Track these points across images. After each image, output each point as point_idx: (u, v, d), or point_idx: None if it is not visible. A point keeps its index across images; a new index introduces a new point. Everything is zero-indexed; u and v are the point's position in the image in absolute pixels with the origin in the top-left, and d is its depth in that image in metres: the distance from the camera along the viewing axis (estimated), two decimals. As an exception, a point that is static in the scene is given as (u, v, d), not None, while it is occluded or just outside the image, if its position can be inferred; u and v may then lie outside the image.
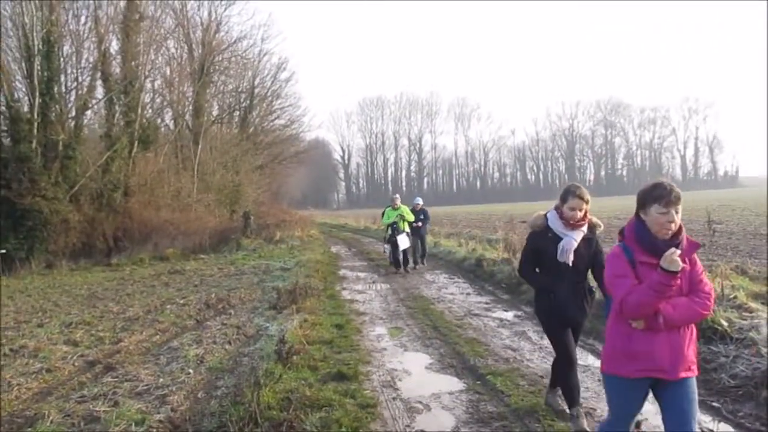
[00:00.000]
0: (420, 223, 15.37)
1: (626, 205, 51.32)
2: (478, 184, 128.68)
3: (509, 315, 9.35)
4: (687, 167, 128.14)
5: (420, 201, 15.99)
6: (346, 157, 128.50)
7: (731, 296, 7.24)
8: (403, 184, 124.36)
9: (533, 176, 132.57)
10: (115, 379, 6.38)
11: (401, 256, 14.82)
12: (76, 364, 7.22)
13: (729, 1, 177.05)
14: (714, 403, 5.06)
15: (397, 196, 15.68)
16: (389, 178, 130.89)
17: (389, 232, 15.04)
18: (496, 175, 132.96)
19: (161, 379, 6.27)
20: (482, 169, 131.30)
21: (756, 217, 25.36)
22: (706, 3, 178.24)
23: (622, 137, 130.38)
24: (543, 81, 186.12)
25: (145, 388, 6.03)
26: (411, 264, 15.26)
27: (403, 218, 14.77)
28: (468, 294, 11.53)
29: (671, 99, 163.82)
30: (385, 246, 15.95)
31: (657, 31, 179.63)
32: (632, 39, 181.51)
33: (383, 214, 15.47)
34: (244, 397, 5.10)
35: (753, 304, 6.94)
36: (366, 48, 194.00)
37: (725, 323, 6.23)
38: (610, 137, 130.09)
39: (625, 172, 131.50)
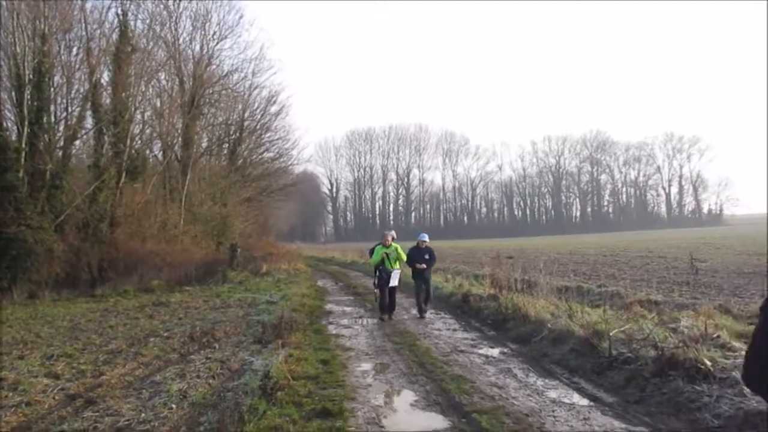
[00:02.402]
0: (425, 265, 13.28)
1: (611, 242, 51.76)
2: (466, 219, 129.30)
3: (495, 352, 9.35)
4: (672, 205, 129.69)
5: (426, 238, 13.78)
6: (334, 190, 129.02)
7: (714, 335, 7.30)
8: (391, 218, 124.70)
9: (520, 212, 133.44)
10: (96, 414, 6.28)
11: (387, 300, 13.00)
12: (57, 397, 7.10)
13: (715, 38, 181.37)
14: (698, 444, 5.06)
15: (390, 232, 13.59)
16: (377, 212, 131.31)
17: (377, 273, 13.18)
18: (484, 210, 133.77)
19: (143, 414, 6.19)
20: (469, 204, 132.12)
21: (738, 256, 25.67)
22: (691, 40, 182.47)
23: (608, 174, 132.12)
24: (530, 117, 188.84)
25: (127, 423, 5.95)
26: (416, 311, 13.44)
27: (388, 257, 13.00)
28: (454, 330, 11.52)
29: (656, 136, 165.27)
30: (376, 290, 13.63)
31: (642, 69, 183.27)
32: (618, 75, 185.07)
33: (372, 251, 13.54)
34: (227, 433, 5.05)
35: (736, 344, 7.00)
36: (355, 81, 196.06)
37: (708, 362, 6.27)
38: (596, 174, 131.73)
39: (611, 209, 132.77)
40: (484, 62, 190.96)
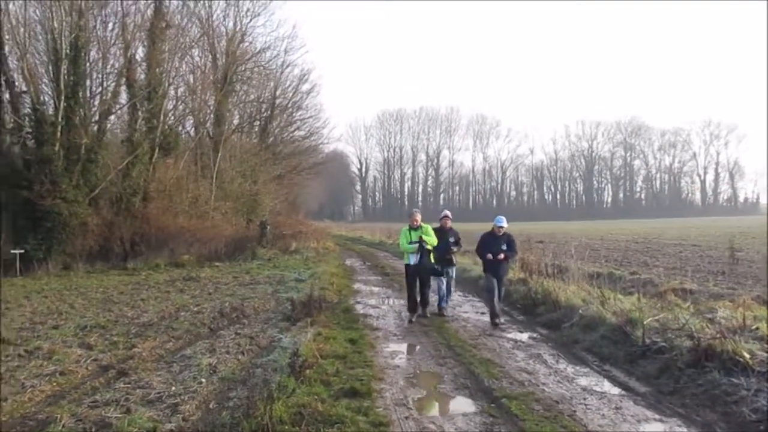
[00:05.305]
0: (502, 255, 10.53)
1: (643, 229, 50.89)
2: (495, 201, 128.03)
3: (524, 336, 9.26)
4: (707, 193, 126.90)
5: (504, 223, 10.80)
6: (363, 170, 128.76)
7: (753, 327, 7.09)
8: (420, 199, 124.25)
9: (550, 196, 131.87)
10: (128, 385, 6.38)
11: (421, 293, 10.92)
12: (90, 368, 7.23)
13: (753, 25, 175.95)
14: (735, 438, 4.93)
15: (417, 210, 11.45)
16: (405, 193, 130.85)
17: (411, 260, 10.83)
18: (513, 193, 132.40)
19: (173, 388, 6.26)
20: (499, 187, 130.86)
21: (777, 246, 24.98)
22: (730, 26, 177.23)
23: (641, 160, 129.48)
24: (563, 100, 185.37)
25: (158, 395, 6.02)
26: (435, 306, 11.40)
27: (420, 244, 10.63)
28: (483, 313, 11.42)
29: (693, 122, 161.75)
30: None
31: (681, 53, 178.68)
32: (655, 59, 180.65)
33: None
34: (256, 410, 5.06)
35: (776, 337, 6.79)
36: (388, 61, 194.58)
37: (747, 355, 6.10)
38: (630, 159, 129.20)
39: (643, 196, 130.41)
40: (518, 44, 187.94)
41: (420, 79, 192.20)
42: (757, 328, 7.03)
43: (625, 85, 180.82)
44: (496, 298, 10.40)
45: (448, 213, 12.12)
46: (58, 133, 20.61)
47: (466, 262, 18.57)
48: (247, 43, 33.43)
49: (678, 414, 5.57)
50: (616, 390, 6.36)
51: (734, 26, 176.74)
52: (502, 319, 10.39)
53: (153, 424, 5.14)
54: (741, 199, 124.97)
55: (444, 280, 11.51)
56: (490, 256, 10.45)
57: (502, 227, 10.71)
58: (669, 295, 10.91)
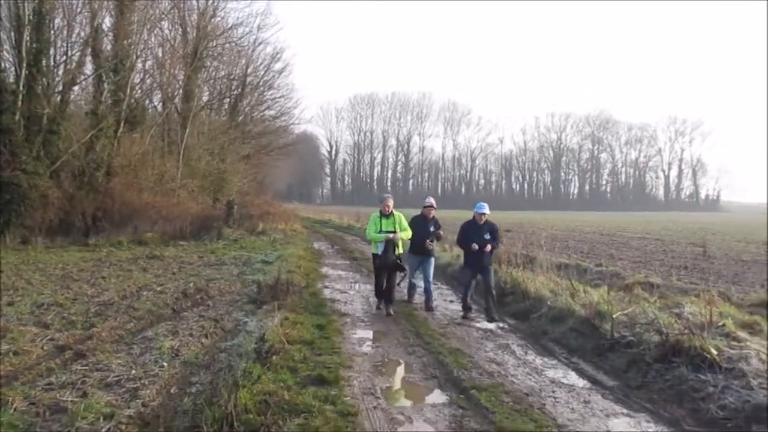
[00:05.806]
0: (489, 247, 9.95)
1: (608, 222, 51.69)
2: (463, 189, 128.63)
3: (492, 326, 9.22)
4: (670, 188, 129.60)
5: (485, 209, 10.19)
6: (333, 152, 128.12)
7: (719, 324, 7.13)
8: (389, 183, 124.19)
9: (518, 186, 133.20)
10: (85, 368, 6.12)
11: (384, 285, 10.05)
12: (46, 348, 6.93)
13: (723, 23, 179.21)
14: (703, 435, 4.94)
15: (389, 195, 10.58)
16: (375, 177, 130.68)
17: (380, 249, 9.98)
18: (482, 182, 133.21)
19: (133, 371, 6.02)
20: (468, 174, 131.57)
21: (737, 243, 25.61)
22: (700, 23, 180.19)
23: (608, 153, 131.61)
24: (534, 91, 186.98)
25: (116, 379, 5.78)
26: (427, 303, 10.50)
27: (393, 235, 9.84)
28: (451, 301, 11.40)
29: (659, 118, 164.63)
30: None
31: (651, 49, 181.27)
32: (627, 54, 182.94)
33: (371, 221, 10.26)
34: (220, 397, 4.88)
35: (741, 334, 6.84)
36: (361, 44, 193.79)
37: (714, 351, 6.12)
38: (597, 152, 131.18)
39: (608, 189, 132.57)
40: (490, 35, 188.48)
41: (393, 63, 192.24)
42: (724, 325, 7.07)
43: (595, 79, 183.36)
44: (470, 291, 10.05)
45: (433, 202, 10.99)
46: (19, 102, 19.83)
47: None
48: (218, 18, 32.58)
49: (646, 409, 5.57)
50: (584, 383, 6.35)
51: (706, 25, 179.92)
52: (496, 317, 9.62)
53: (111, 410, 4.91)
54: (702, 195, 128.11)
55: (417, 277, 10.89)
56: (476, 246, 9.75)
57: (484, 214, 10.06)
58: (635, 289, 10.98)
